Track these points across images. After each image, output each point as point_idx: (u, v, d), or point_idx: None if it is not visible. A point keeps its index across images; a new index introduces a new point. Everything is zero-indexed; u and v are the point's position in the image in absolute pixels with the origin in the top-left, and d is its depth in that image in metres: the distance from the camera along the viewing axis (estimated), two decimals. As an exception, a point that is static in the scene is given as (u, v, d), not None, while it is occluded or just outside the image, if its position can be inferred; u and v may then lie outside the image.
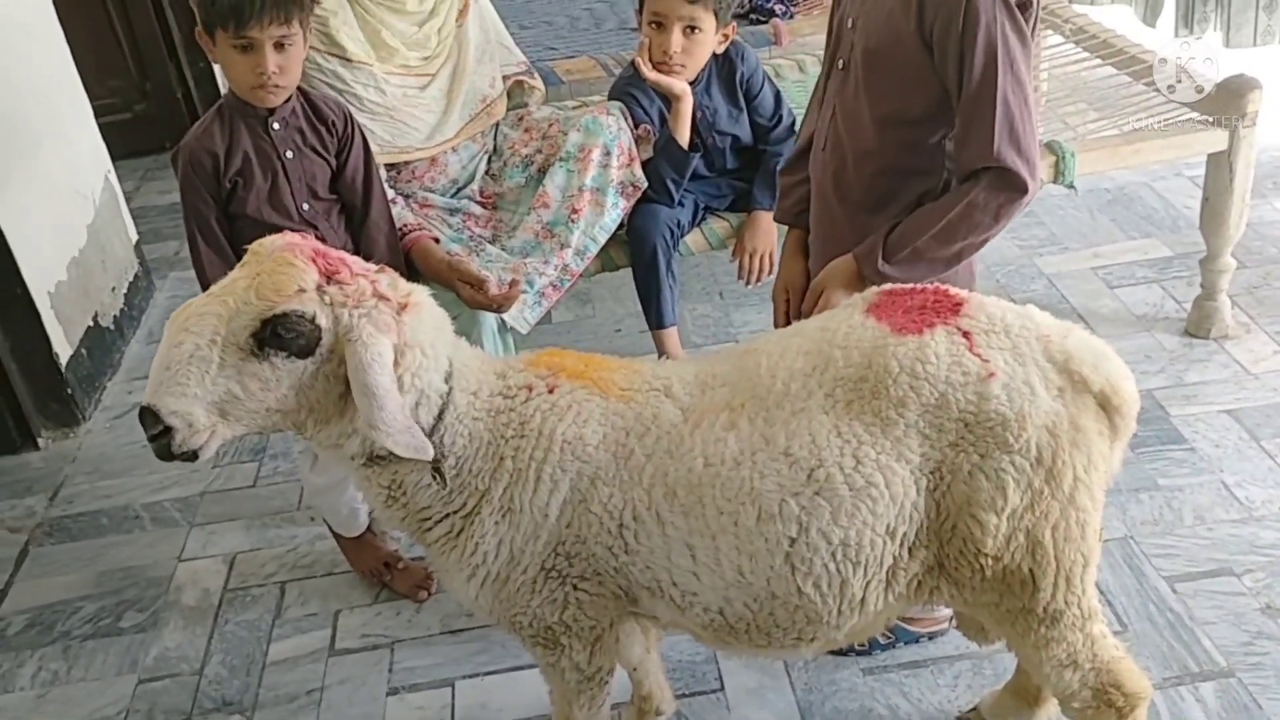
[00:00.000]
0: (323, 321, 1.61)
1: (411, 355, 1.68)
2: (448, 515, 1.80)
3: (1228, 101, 3.13)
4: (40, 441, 3.67)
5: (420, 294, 1.74)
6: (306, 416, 1.68)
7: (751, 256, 2.98)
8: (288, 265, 1.61)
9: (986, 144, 1.95)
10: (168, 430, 1.61)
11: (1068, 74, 3.85)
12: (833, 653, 2.53)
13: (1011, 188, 2.00)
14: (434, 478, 1.75)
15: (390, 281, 1.70)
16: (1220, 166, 3.21)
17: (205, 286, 2.49)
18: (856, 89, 2.13)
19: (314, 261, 1.63)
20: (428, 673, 2.68)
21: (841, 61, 2.18)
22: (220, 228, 2.49)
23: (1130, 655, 1.93)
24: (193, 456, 1.65)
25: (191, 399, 1.59)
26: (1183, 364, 3.39)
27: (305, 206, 2.52)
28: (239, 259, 2.49)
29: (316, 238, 2.45)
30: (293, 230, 2.44)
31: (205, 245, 2.48)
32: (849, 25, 2.14)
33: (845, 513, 1.67)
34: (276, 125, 2.47)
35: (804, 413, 1.69)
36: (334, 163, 2.56)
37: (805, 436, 1.68)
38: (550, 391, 1.78)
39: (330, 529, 2.95)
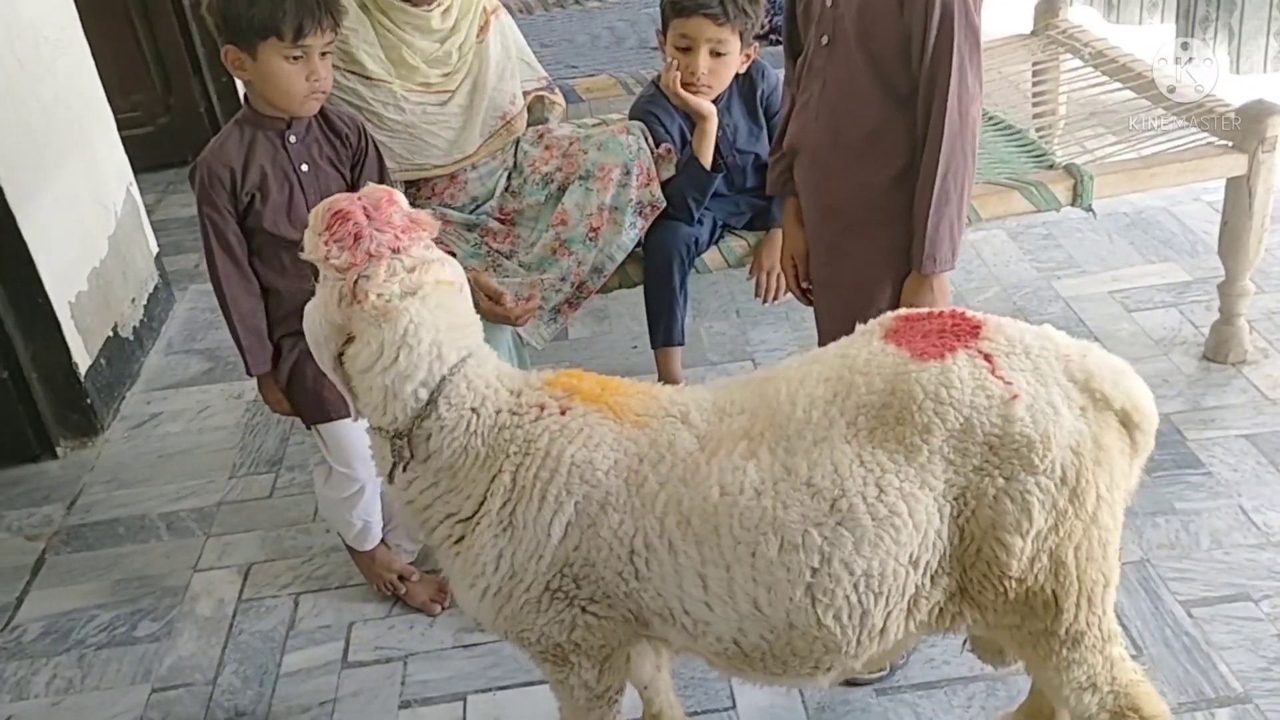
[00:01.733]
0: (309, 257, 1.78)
1: (355, 346, 1.75)
2: (447, 517, 1.81)
3: (1248, 127, 3.12)
4: (59, 451, 3.70)
5: (410, 302, 1.71)
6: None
7: (769, 274, 2.98)
8: (335, 202, 1.78)
9: (942, 103, 2.19)
10: None
11: (1086, 98, 3.86)
12: (848, 683, 2.53)
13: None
14: (391, 470, 1.82)
15: (370, 274, 1.70)
16: (1240, 191, 3.21)
17: (222, 299, 2.52)
18: (848, 59, 2.29)
19: (334, 216, 1.74)
20: (440, 686, 2.68)
21: (826, 37, 2.32)
22: (238, 242, 2.52)
23: (1154, 690, 1.92)
24: None
25: None
26: (1200, 388, 3.38)
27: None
28: (255, 273, 2.53)
29: None
30: None
31: (223, 258, 2.50)
32: (827, 4, 2.30)
33: (869, 543, 1.66)
34: (293, 139, 2.50)
35: (826, 441, 1.69)
36: (349, 175, 2.58)
37: (828, 466, 1.67)
38: (562, 413, 1.78)
39: (344, 542, 2.96)
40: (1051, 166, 3.25)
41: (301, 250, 1.79)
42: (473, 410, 1.77)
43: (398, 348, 1.71)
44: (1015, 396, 1.66)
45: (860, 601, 1.69)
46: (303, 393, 2.62)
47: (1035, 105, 4.00)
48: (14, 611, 3.05)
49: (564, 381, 1.83)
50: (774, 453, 1.70)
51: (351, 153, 2.58)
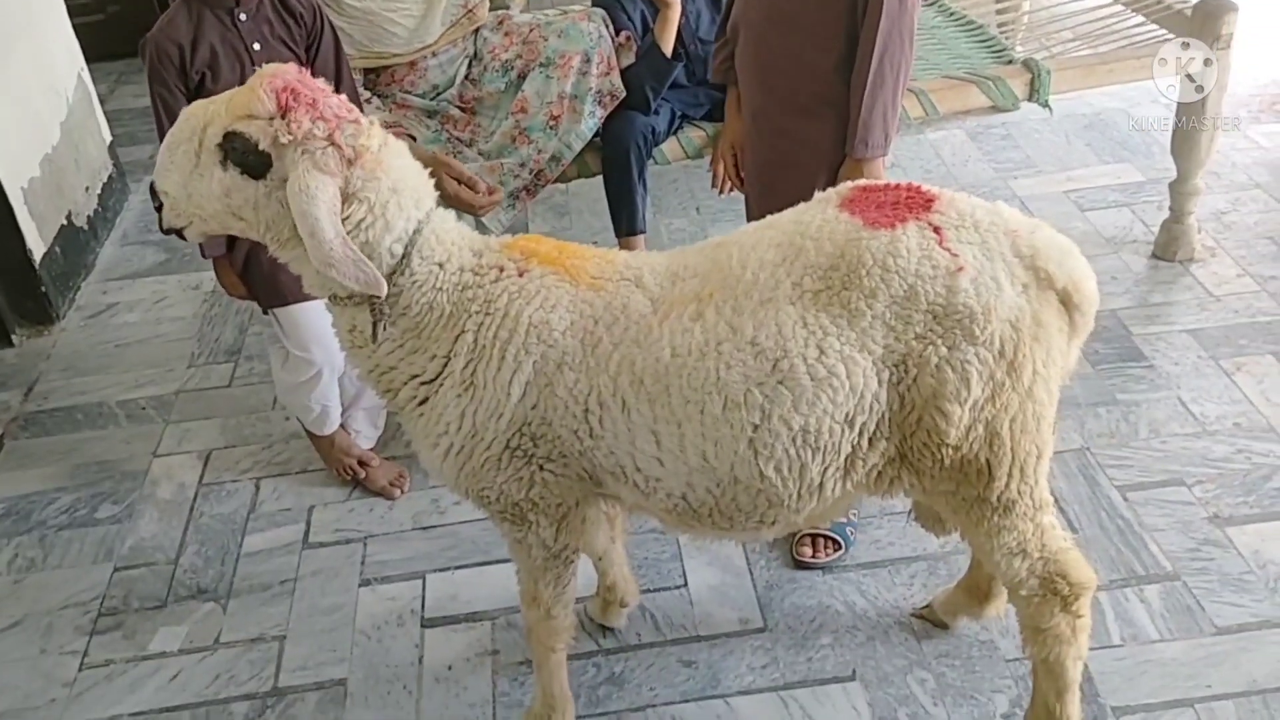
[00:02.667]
0: (265, 148, 1.69)
1: (356, 207, 1.72)
2: (411, 379, 1.84)
3: (1203, 23, 3.14)
4: (14, 339, 3.69)
5: (388, 154, 1.76)
6: (264, 232, 1.78)
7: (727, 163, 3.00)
8: (251, 91, 1.70)
9: None
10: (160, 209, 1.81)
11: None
12: (799, 565, 2.61)
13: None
14: (371, 331, 1.82)
15: (354, 133, 1.71)
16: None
17: None
18: None
19: (277, 95, 1.69)
20: (399, 566, 2.74)
21: None
22: None
23: (1082, 558, 2.00)
24: (174, 233, 1.87)
25: (177, 185, 1.75)
26: (1148, 285, 3.46)
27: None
28: None
29: None
30: None
31: None
32: None
33: (806, 401, 1.71)
34: (244, 16, 2.47)
35: (771, 302, 1.73)
36: (303, 55, 2.55)
37: (772, 327, 1.71)
38: (520, 275, 1.81)
39: (304, 428, 2.99)
40: (1010, 62, 3.26)
41: (238, 139, 1.72)
42: (439, 265, 1.79)
43: (386, 200, 1.74)
44: (960, 269, 1.70)
45: (798, 455, 1.74)
46: (259, 277, 2.62)
47: (999, 2, 4.00)
48: (-27, 495, 3.08)
49: (522, 245, 1.86)
50: (720, 313, 1.74)
51: (306, 32, 2.55)
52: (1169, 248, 3.52)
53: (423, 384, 1.84)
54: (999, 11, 3.95)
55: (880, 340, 1.70)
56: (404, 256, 1.76)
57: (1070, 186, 4.01)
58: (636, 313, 1.78)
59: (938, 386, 1.71)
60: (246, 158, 1.70)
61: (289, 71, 1.73)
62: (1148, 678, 2.30)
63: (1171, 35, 3.25)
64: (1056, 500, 2.68)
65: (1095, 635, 2.34)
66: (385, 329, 1.81)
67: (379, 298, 1.76)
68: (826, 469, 1.76)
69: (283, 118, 1.69)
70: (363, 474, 2.96)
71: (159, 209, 1.86)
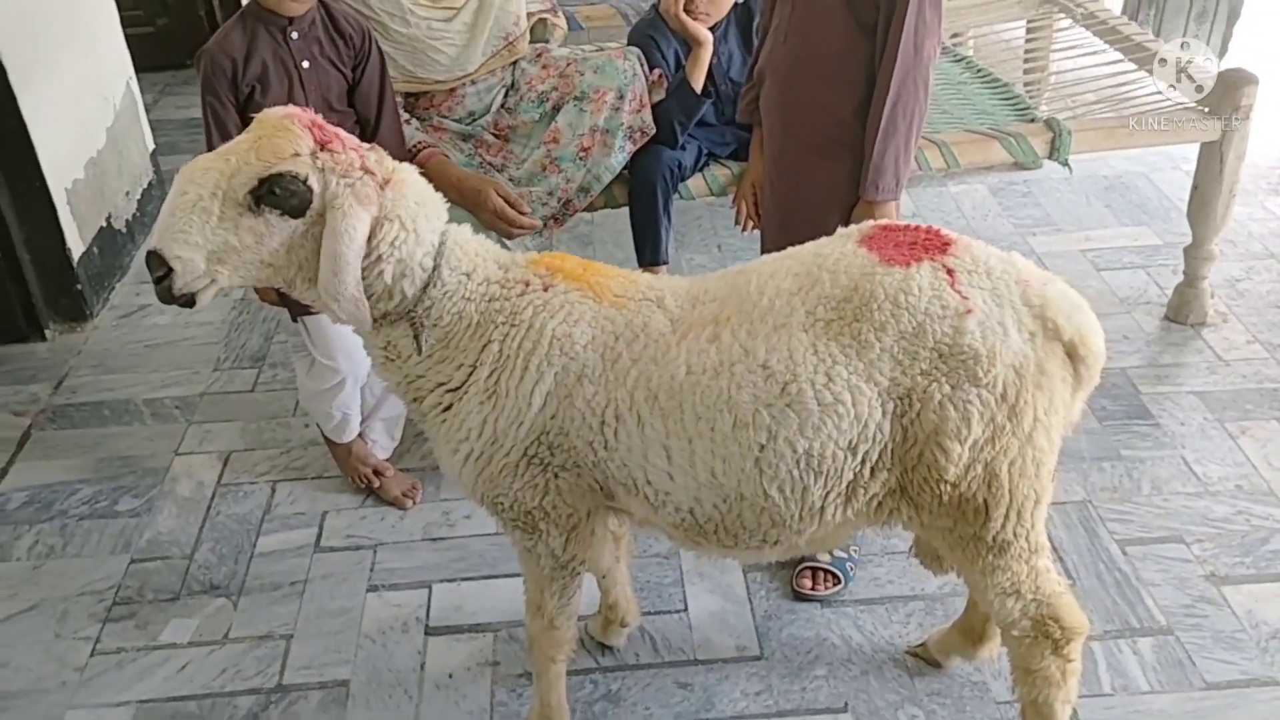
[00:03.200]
0: (314, 184, 1.74)
1: (390, 227, 1.80)
2: (438, 386, 1.91)
3: (1224, 94, 3.22)
4: (48, 333, 3.79)
5: (407, 173, 1.85)
6: (295, 274, 1.82)
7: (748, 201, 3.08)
8: (286, 130, 1.75)
9: (898, 34, 2.31)
10: (169, 273, 1.73)
11: (1076, 59, 3.94)
12: (798, 597, 2.67)
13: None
14: (415, 343, 1.87)
15: (378, 159, 1.81)
16: (1211, 156, 3.31)
17: None
18: None
19: (310, 130, 1.76)
20: (407, 574, 2.80)
21: None
22: (237, 132, 2.57)
23: (1075, 603, 2.04)
24: (190, 301, 1.78)
25: (193, 246, 1.71)
26: (1159, 346, 3.51)
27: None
28: None
29: None
30: None
31: (221, 143, 2.57)
32: None
33: (812, 425, 1.77)
34: (295, 34, 2.56)
35: (785, 328, 1.80)
36: (350, 76, 2.65)
37: (784, 351, 1.78)
38: (545, 290, 1.89)
39: (323, 435, 3.06)
40: (1033, 120, 3.34)
41: (285, 180, 1.74)
42: (466, 275, 1.87)
43: (415, 215, 1.82)
44: (969, 311, 1.76)
45: (801, 478, 1.81)
46: None
47: (1026, 63, 4.08)
48: (-2, 481, 3.16)
49: (548, 261, 1.94)
50: (735, 335, 1.81)
51: (354, 54, 2.64)
52: (1181, 311, 3.57)
53: (448, 391, 1.91)
54: (1026, 71, 4.04)
55: (887, 373, 1.77)
56: (434, 269, 1.84)
57: (1088, 246, 4.07)
58: (656, 331, 1.85)
59: (939, 423, 1.77)
60: (290, 199, 1.73)
61: (294, 110, 1.80)
62: (1135, 727, 2.33)
63: (1192, 103, 3.32)
64: (1055, 549, 2.74)
65: (1087, 683, 2.39)
66: (428, 340, 1.87)
67: (416, 313, 1.83)
68: (828, 494, 1.82)
69: (324, 150, 1.76)
70: (377, 483, 3.03)
71: (160, 279, 1.76)
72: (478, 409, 1.88)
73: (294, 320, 2.82)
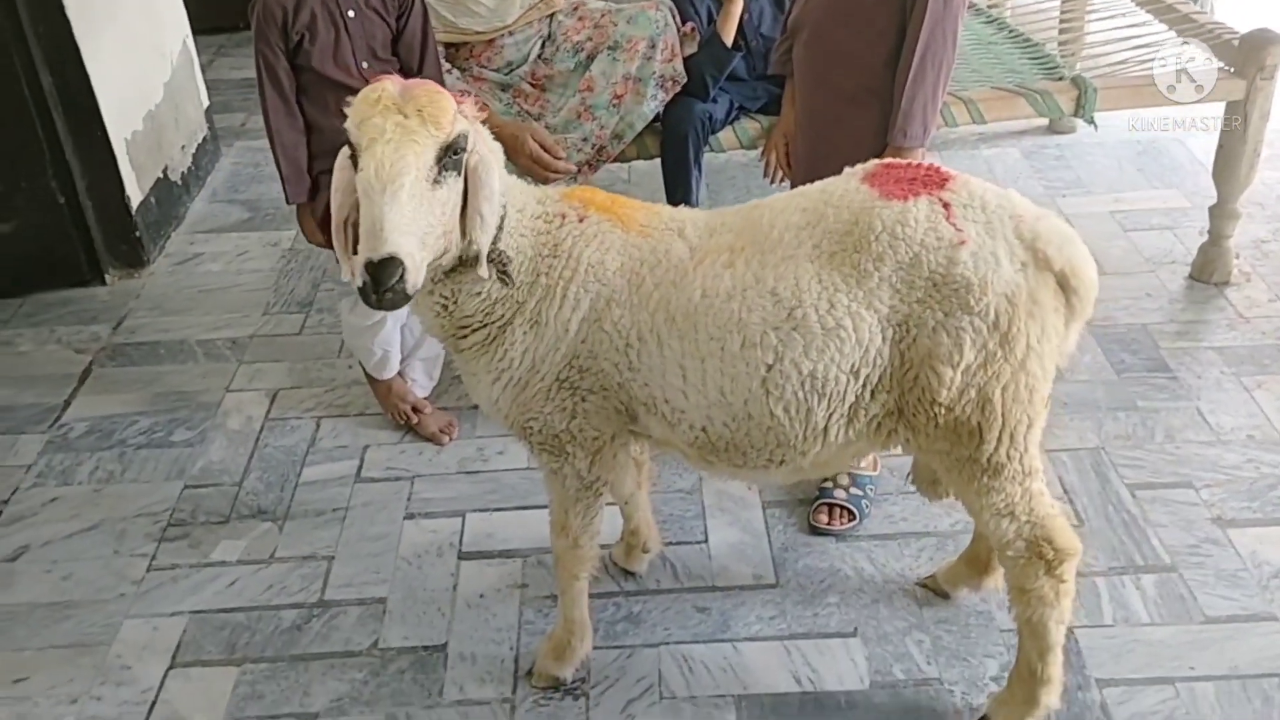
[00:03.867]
0: (470, 137, 1.83)
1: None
2: (485, 325, 2.02)
3: (1249, 54, 3.26)
4: (108, 278, 3.98)
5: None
6: (450, 233, 1.86)
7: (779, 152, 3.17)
8: (437, 95, 1.80)
9: None
10: (403, 275, 1.71)
11: (1109, 21, 3.98)
12: (814, 531, 2.78)
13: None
14: (503, 280, 1.95)
15: (471, 107, 1.91)
16: (1235, 115, 3.36)
17: (269, 127, 2.73)
18: None
19: (446, 93, 1.84)
20: (442, 504, 2.95)
21: None
22: (287, 78, 2.73)
23: (1076, 533, 2.11)
24: (409, 298, 1.77)
25: (414, 237, 1.74)
26: (1181, 303, 3.57)
27: (365, 65, 2.74)
28: (302, 110, 2.72)
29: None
30: (351, 86, 2.71)
31: (272, 91, 2.72)
32: None
33: (816, 349, 1.89)
34: None
35: (792, 259, 1.91)
36: (394, 25, 2.77)
37: (790, 279, 1.90)
38: (580, 220, 2.01)
39: (365, 373, 3.21)
40: (1060, 79, 3.40)
41: (458, 143, 1.80)
42: (519, 211, 1.98)
43: (498, 159, 1.94)
44: (963, 242, 1.86)
45: (805, 399, 1.92)
46: None
47: (1062, 24, 4.12)
48: (61, 412, 3.34)
49: (579, 194, 2.06)
50: (748, 264, 1.93)
51: (398, 4, 2.77)
52: (1205, 269, 3.63)
53: (499, 327, 2.01)
54: (1061, 32, 4.08)
55: (886, 301, 1.87)
56: (505, 204, 1.95)
57: (1117, 208, 4.12)
58: (676, 258, 1.97)
59: (933, 348, 1.87)
60: (461, 156, 1.81)
61: (385, 80, 1.84)
62: (1134, 656, 2.42)
63: (1219, 63, 3.37)
64: (1066, 491, 2.84)
65: (1088, 614, 2.50)
66: (514, 272, 1.95)
67: (496, 249, 1.91)
68: (831, 414, 1.93)
69: (458, 106, 1.84)
70: (415, 420, 3.17)
71: (392, 290, 1.71)
72: (521, 339, 2.00)
73: (338, 261, 2.96)
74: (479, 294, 1.99)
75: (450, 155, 1.79)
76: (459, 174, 1.82)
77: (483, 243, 1.87)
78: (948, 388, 1.89)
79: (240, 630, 2.59)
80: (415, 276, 1.75)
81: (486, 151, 1.87)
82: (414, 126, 1.75)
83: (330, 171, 2.77)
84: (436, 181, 1.78)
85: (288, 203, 2.85)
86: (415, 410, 3.18)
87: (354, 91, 2.69)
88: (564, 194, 2.06)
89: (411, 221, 1.73)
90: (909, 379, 1.91)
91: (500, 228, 1.94)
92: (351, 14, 2.71)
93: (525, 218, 1.99)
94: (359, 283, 1.75)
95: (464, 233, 1.89)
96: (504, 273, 1.94)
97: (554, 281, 1.98)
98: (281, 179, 2.80)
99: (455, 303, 2.01)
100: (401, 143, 1.74)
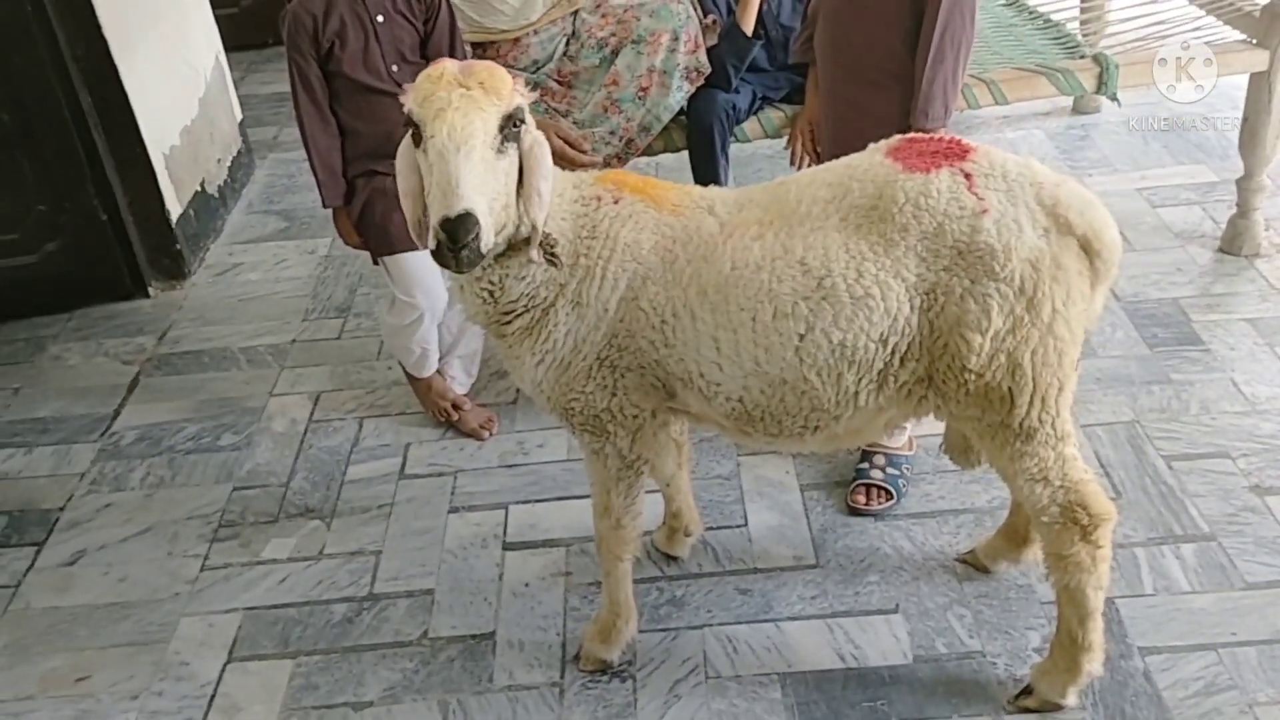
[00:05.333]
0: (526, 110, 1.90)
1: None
2: (529, 310, 2.07)
3: (1271, 25, 3.27)
4: (150, 291, 4.07)
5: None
6: (509, 207, 1.92)
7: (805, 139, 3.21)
8: (495, 69, 1.87)
9: None
10: (478, 234, 1.77)
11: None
12: (853, 511, 2.82)
13: None
14: (550, 261, 1.99)
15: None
16: (1260, 87, 3.36)
17: (304, 133, 2.81)
18: None
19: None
20: (485, 497, 3.00)
21: None
22: (319, 85, 2.81)
23: (1114, 505, 2.13)
24: (480, 258, 1.83)
25: (484, 198, 1.81)
26: (1211, 277, 3.57)
27: (394, 68, 2.81)
28: (335, 115, 2.79)
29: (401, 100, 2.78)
30: (382, 90, 2.73)
31: (305, 98, 2.81)
32: None
33: (845, 318, 1.93)
34: None
35: (821, 230, 1.95)
36: (421, 28, 2.84)
37: (819, 250, 1.94)
38: (615, 202, 2.06)
39: (405, 372, 3.27)
40: (1081, 57, 3.42)
41: (517, 114, 1.85)
42: (559, 195, 2.03)
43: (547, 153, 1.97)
44: (985, 210, 1.90)
45: (836, 365, 1.96)
46: (371, 227, 2.92)
47: (1083, 2, 4.13)
48: (112, 421, 3.43)
49: (613, 177, 2.12)
50: (777, 236, 1.97)
51: (425, 8, 2.83)
52: (1235, 242, 3.63)
53: (543, 311, 2.06)
54: (1083, 10, 4.08)
55: (913, 270, 1.91)
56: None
57: (1144, 185, 4.13)
58: (707, 233, 2.02)
59: (961, 315, 1.91)
60: (519, 129, 1.87)
61: (446, 61, 1.91)
62: (1175, 624, 2.44)
63: (1242, 35, 3.37)
64: (1102, 465, 2.85)
65: (1129, 584, 2.52)
66: (562, 254, 2.00)
67: (542, 233, 1.95)
68: (860, 380, 1.97)
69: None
70: (455, 416, 3.23)
71: (470, 244, 1.77)
72: (564, 321, 2.05)
73: (375, 263, 3.03)
74: (524, 278, 2.04)
75: (511, 125, 1.86)
76: (517, 146, 1.89)
77: (539, 220, 1.92)
78: (977, 354, 1.93)
79: (293, 625, 2.66)
80: (488, 236, 1.82)
81: (539, 133, 1.93)
82: (478, 96, 1.82)
83: (364, 175, 2.87)
84: (500, 150, 1.85)
85: (324, 206, 2.93)
86: (455, 407, 3.24)
87: (385, 95, 2.79)
88: (598, 178, 2.12)
89: (483, 182, 1.80)
90: (938, 346, 1.95)
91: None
92: (380, 19, 2.78)
93: (565, 201, 2.05)
94: (433, 245, 1.81)
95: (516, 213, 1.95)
96: (551, 255, 1.99)
97: (593, 262, 2.03)
98: (318, 183, 2.88)
99: (501, 289, 2.06)
100: (469, 110, 1.80)
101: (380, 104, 2.81)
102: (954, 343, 1.93)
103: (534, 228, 1.92)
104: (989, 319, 1.90)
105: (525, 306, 2.07)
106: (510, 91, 1.85)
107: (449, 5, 2.86)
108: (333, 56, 2.77)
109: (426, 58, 2.86)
